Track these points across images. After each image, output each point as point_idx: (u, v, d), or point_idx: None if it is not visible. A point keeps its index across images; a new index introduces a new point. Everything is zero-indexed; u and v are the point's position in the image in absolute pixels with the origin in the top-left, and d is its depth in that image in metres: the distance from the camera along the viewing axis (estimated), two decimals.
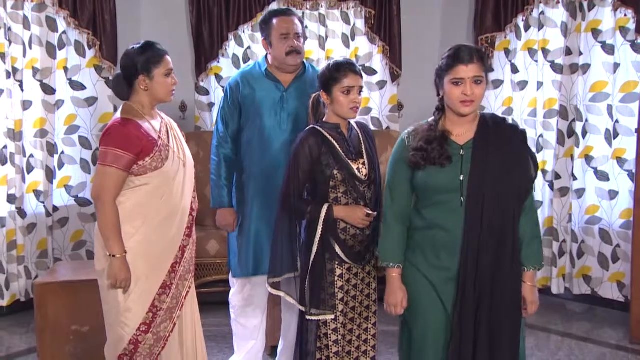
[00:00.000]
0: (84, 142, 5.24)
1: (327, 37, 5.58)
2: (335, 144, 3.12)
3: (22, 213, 4.94)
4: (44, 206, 5.08)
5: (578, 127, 5.06)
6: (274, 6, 5.41)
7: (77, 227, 5.30)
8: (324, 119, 3.21)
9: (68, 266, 4.65)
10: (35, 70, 4.95)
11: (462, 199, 2.64)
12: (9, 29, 4.78)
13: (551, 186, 5.23)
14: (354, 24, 5.62)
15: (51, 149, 5.07)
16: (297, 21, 3.67)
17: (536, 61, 5.23)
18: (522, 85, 5.35)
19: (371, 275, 3.23)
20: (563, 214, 5.22)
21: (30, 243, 5.05)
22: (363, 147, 3.20)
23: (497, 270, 2.65)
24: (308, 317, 3.14)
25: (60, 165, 5.22)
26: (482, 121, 2.73)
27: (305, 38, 3.82)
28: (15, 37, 4.82)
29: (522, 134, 2.76)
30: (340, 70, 3.10)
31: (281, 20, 3.64)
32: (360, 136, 3.22)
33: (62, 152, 5.22)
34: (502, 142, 2.68)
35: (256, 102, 3.64)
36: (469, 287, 2.64)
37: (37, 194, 5.06)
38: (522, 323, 2.78)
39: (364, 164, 3.16)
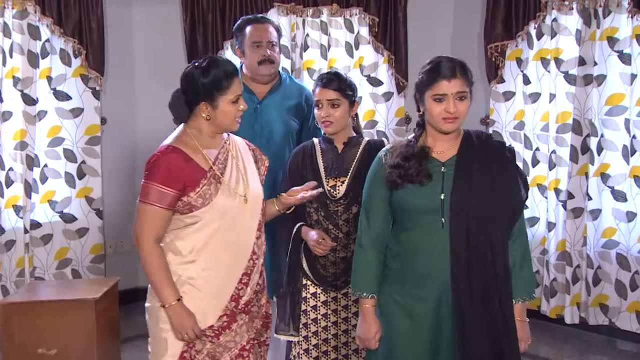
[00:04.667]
0: (69, 155, 5.03)
1: (329, 45, 5.32)
2: (319, 159, 3.08)
3: None
4: (23, 222, 4.86)
5: (593, 142, 4.69)
6: (272, 13, 5.18)
7: (62, 244, 5.08)
8: None
9: (42, 285, 4.49)
10: (15, 80, 4.76)
11: (442, 219, 2.40)
12: None
13: (564, 206, 4.83)
14: (358, 32, 5.35)
15: (30, 162, 4.86)
16: (272, 29, 3.57)
17: (549, 71, 4.85)
18: (534, 97, 4.97)
19: (357, 305, 3.02)
20: (577, 237, 4.82)
21: (9, 260, 4.84)
22: (354, 165, 3.03)
23: (490, 303, 2.41)
24: (275, 335, 3.13)
25: (44, 179, 5.00)
26: (466, 137, 2.53)
27: (279, 47, 3.66)
28: None
29: (511, 151, 2.55)
30: (315, 83, 3.09)
31: (254, 28, 3.54)
32: (360, 154, 3.05)
33: (45, 165, 5.00)
34: (488, 159, 2.48)
35: None
36: (468, 319, 2.39)
37: (17, 209, 4.85)
38: None
39: (343, 182, 3.02)
